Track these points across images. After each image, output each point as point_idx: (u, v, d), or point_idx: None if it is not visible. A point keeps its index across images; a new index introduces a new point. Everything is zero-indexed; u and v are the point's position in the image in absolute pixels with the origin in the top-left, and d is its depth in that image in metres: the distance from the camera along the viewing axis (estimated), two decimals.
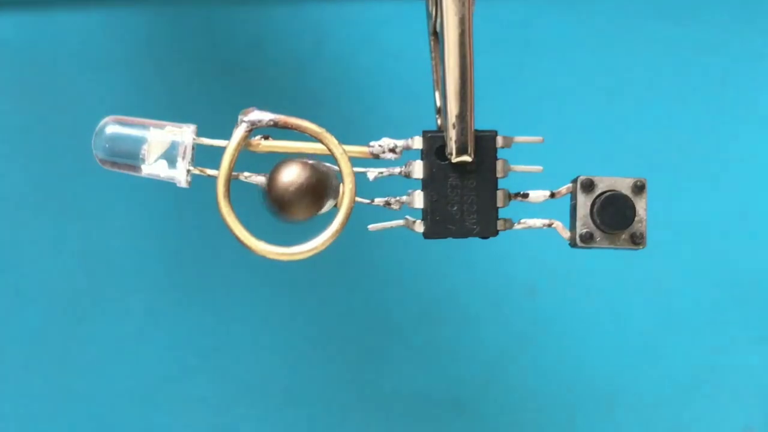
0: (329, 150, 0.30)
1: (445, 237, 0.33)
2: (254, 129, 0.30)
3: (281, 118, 0.29)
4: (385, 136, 0.33)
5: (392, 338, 0.50)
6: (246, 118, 0.29)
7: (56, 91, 0.49)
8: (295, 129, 0.30)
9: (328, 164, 0.32)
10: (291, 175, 0.30)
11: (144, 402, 0.50)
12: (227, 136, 0.31)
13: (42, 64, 0.49)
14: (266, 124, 0.29)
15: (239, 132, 0.29)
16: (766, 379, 0.51)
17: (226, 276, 0.50)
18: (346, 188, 0.30)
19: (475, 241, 0.34)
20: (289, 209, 0.30)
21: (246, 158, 0.32)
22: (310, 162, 0.30)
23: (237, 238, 0.29)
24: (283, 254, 0.29)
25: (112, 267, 0.49)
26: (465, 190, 0.33)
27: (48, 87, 0.49)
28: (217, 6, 0.49)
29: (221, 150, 0.32)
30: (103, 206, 0.49)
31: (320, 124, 0.31)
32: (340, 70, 0.49)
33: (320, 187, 0.30)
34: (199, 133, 0.32)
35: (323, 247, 0.30)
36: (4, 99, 0.49)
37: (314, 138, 0.30)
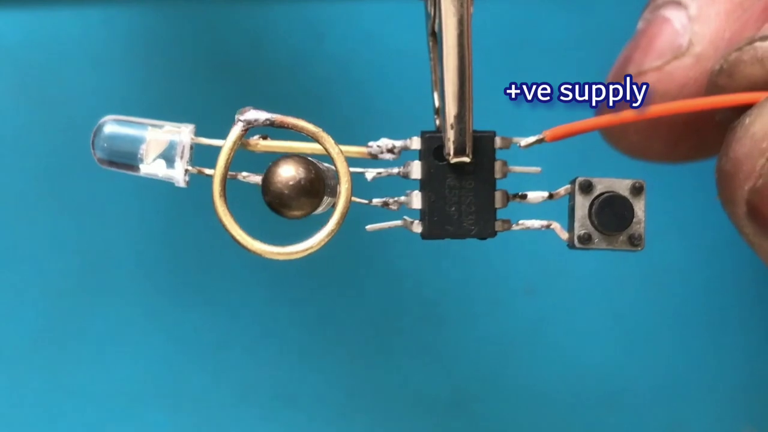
0: (326, 150, 0.30)
1: (443, 238, 0.33)
2: (250, 128, 0.30)
3: (277, 117, 0.29)
4: (384, 135, 0.33)
5: (391, 338, 0.50)
6: (242, 118, 0.29)
7: (55, 89, 0.49)
8: (292, 128, 0.30)
9: (327, 164, 0.32)
10: (290, 171, 0.30)
11: (142, 401, 0.50)
12: (226, 135, 0.31)
13: (40, 62, 0.49)
14: (262, 123, 0.30)
15: (235, 131, 0.30)
16: (766, 379, 0.51)
17: (226, 276, 0.50)
18: (342, 188, 0.30)
19: (474, 241, 0.34)
20: (288, 205, 0.30)
21: (246, 158, 0.33)
22: (309, 158, 0.31)
23: (232, 237, 0.29)
24: (278, 253, 0.30)
25: (111, 266, 0.49)
26: (463, 190, 0.33)
27: (47, 85, 0.49)
28: (216, 4, 0.49)
29: (219, 150, 0.32)
30: (102, 204, 0.49)
31: (318, 124, 0.31)
32: (339, 69, 0.49)
33: (318, 183, 0.30)
34: (199, 130, 0.32)
35: (319, 247, 0.30)
36: (4, 97, 0.49)
37: (311, 138, 0.30)
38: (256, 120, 0.29)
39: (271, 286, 0.50)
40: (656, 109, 0.33)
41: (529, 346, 0.50)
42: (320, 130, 0.30)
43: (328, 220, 0.30)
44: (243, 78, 0.49)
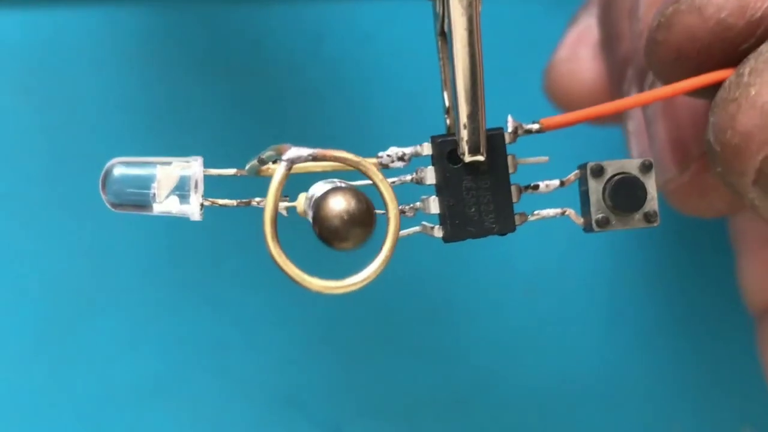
0: (369, 178, 0.29)
1: (465, 239, 0.33)
2: (293, 165, 0.29)
3: (319, 151, 0.29)
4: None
5: (391, 338, 0.50)
6: (285, 157, 0.29)
7: (56, 90, 0.48)
8: (333, 161, 0.29)
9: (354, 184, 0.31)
10: (342, 204, 0.29)
11: (142, 401, 0.49)
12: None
13: (41, 63, 0.48)
14: (305, 159, 0.29)
15: (280, 172, 0.29)
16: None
17: (226, 276, 0.49)
18: (391, 214, 0.30)
19: (472, 241, 0.33)
20: (344, 238, 0.29)
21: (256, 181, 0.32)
22: (356, 188, 0.30)
23: (290, 278, 0.29)
24: (338, 287, 0.29)
25: (110, 266, 0.49)
26: (480, 190, 0.33)
27: (47, 85, 0.48)
28: (215, 5, 0.48)
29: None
30: (102, 204, 0.48)
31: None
32: (339, 71, 0.48)
33: (369, 213, 0.29)
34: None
35: (375, 276, 0.29)
36: (5, 98, 0.48)
37: (353, 168, 0.29)
38: (299, 157, 0.28)
39: (271, 286, 0.49)
40: (628, 102, 0.34)
41: (529, 346, 0.51)
42: (362, 159, 0.29)
43: (379, 249, 0.30)
44: (242, 79, 0.48)
